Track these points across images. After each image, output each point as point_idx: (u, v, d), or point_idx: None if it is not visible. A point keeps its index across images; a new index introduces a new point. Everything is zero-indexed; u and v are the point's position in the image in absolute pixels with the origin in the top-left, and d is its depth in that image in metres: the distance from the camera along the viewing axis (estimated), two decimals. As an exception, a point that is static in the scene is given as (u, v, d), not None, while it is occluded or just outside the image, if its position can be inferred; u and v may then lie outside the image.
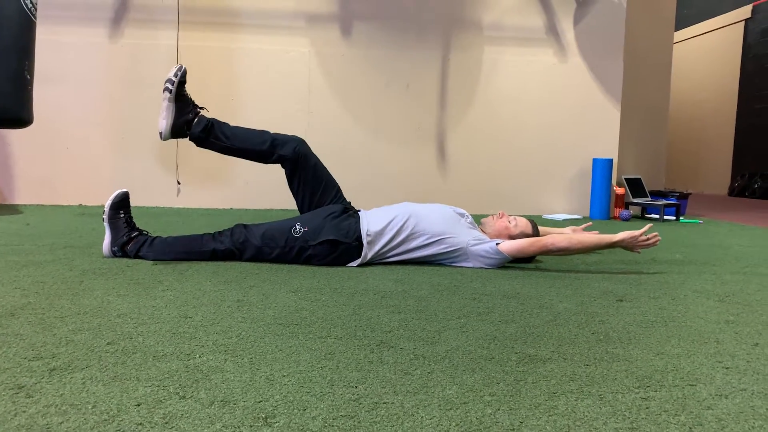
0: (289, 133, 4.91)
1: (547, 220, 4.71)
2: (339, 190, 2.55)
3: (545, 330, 1.57)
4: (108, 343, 1.35)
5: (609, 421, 1.02)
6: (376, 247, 2.36)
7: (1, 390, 1.07)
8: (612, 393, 1.14)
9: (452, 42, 5.07)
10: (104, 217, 2.36)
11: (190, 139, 2.34)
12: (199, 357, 1.28)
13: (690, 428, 1.01)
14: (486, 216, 2.70)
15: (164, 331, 1.46)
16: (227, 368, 1.21)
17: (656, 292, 2.08)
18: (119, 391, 1.08)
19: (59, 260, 2.32)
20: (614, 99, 5.20)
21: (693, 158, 10.76)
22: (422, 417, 1.01)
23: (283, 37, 4.90)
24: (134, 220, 2.46)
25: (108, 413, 0.99)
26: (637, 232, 2.34)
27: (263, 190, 4.96)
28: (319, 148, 5.06)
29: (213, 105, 4.87)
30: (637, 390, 1.16)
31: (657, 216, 5.05)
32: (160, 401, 1.04)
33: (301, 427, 0.97)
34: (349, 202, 2.57)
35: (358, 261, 2.36)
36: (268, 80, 4.91)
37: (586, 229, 2.85)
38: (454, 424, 0.99)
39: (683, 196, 5.35)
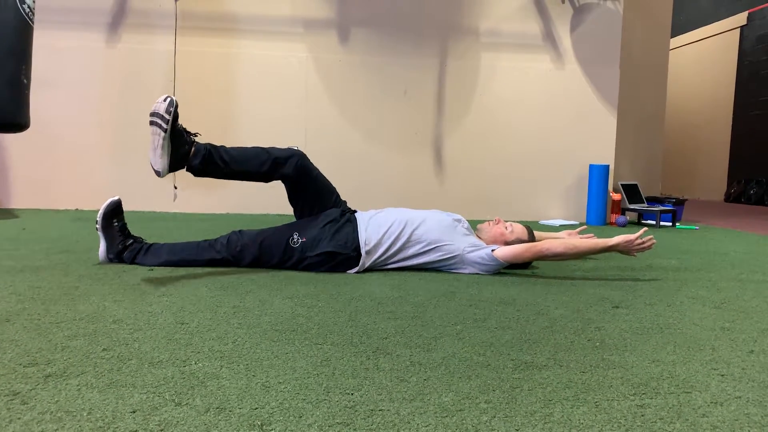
0: (287, 139, 4.90)
1: (544, 225, 4.72)
2: (336, 194, 2.54)
3: (541, 337, 1.57)
4: (104, 350, 1.35)
5: (605, 428, 1.03)
6: (374, 256, 2.38)
7: (-5, 397, 1.07)
8: (608, 400, 1.15)
9: (449, 48, 5.09)
10: (97, 226, 2.34)
11: (187, 171, 2.22)
12: (195, 363, 1.27)
13: (685, 436, 1.01)
14: (482, 222, 2.70)
15: (160, 337, 1.45)
16: (223, 375, 1.21)
17: (652, 298, 2.09)
18: (115, 397, 1.08)
19: (55, 265, 2.32)
20: (611, 105, 5.22)
21: (689, 164, 10.80)
22: (418, 424, 1.01)
23: (281, 43, 4.91)
24: (129, 226, 2.44)
25: (103, 420, 0.99)
26: (632, 236, 2.35)
27: (260, 195, 4.96)
28: (317, 153, 5.07)
29: (210, 110, 4.88)
30: (632, 397, 1.17)
31: (653, 222, 5.06)
32: (156, 408, 1.04)
33: (297, 435, 0.96)
34: (345, 202, 2.58)
35: (356, 269, 2.37)
36: (266, 86, 4.92)
37: (581, 233, 2.86)
38: (449, 431, 0.99)
39: (679, 202, 5.37)
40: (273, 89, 4.92)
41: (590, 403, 1.13)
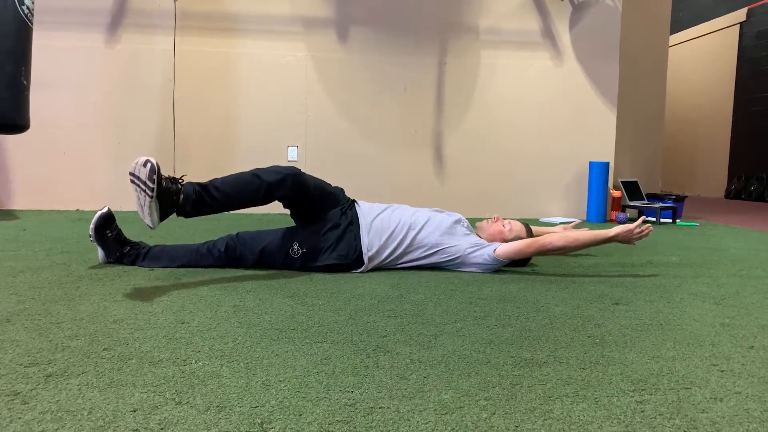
0: (288, 139, 4.91)
1: (544, 223, 4.72)
2: (335, 194, 2.46)
3: (541, 334, 1.57)
4: (104, 349, 1.35)
5: (604, 424, 1.03)
6: (377, 261, 2.39)
7: (-4, 397, 1.07)
8: (607, 396, 1.15)
9: (449, 46, 5.09)
10: (91, 239, 2.31)
11: (179, 216, 2.11)
12: (196, 362, 1.28)
13: (684, 431, 1.01)
14: (482, 220, 2.71)
15: (160, 336, 1.46)
16: (223, 374, 1.21)
17: (652, 295, 2.09)
18: (115, 397, 1.08)
19: (55, 266, 2.32)
20: (610, 102, 5.22)
21: (689, 161, 10.80)
22: (418, 421, 1.02)
23: (280, 42, 4.91)
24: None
25: (104, 419, 0.99)
26: (631, 226, 2.36)
27: (260, 195, 4.96)
28: (316, 152, 5.08)
29: (210, 110, 4.88)
30: (632, 393, 1.17)
31: (654, 219, 5.06)
32: (156, 407, 1.04)
33: (297, 433, 0.97)
34: (342, 190, 2.49)
35: (359, 270, 2.37)
36: (265, 85, 4.92)
37: (576, 227, 2.86)
38: (449, 428, 1.00)
39: (679, 199, 5.37)
40: (272, 88, 4.93)
41: (590, 399, 1.13)
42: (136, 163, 1.90)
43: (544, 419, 1.04)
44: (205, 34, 4.83)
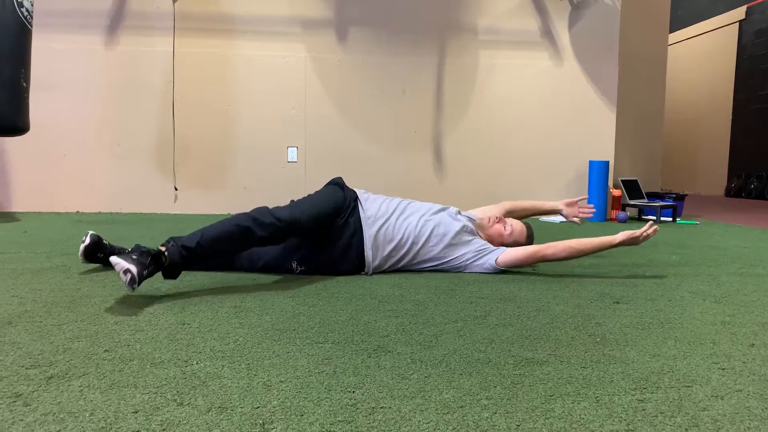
0: (287, 139, 4.91)
1: (544, 222, 4.72)
2: (335, 209, 2.28)
3: (542, 333, 1.57)
4: (105, 351, 1.35)
5: (605, 423, 1.03)
6: (380, 270, 2.37)
7: (-2, 399, 1.07)
8: (608, 395, 1.15)
9: (447, 47, 5.09)
10: (81, 261, 2.24)
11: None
12: (197, 363, 1.28)
13: (686, 430, 1.01)
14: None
15: (162, 337, 1.46)
16: (225, 374, 1.22)
17: (653, 293, 2.09)
18: (117, 398, 1.09)
19: (56, 268, 2.32)
20: (610, 101, 5.22)
21: (689, 159, 10.80)
22: (419, 421, 1.02)
23: (279, 43, 4.92)
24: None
25: (105, 421, 0.99)
26: (636, 232, 2.32)
27: (260, 196, 4.96)
28: (316, 152, 5.08)
29: (209, 111, 4.88)
30: (633, 392, 1.17)
31: (654, 217, 5.06)
32: (158, 408, 1.05)
33: (299, 433, 0.97)
34: (343, 197, 2.35)
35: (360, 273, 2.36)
36: (265, 86, 4.92)
37: (581, 203, 2.81)
38: (451, 427, 1.00)
39: (680, 198, 5.37)
40: (272, 89, 4.93)
41: (591, 398, 1.13)
42: (120, 278, 1.73)
43: (546, 418, 1.04)
44: (204, 36, 4.84)
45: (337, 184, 2.42)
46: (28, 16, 3.62)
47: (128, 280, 1.69)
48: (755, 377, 1.27)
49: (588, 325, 1.65)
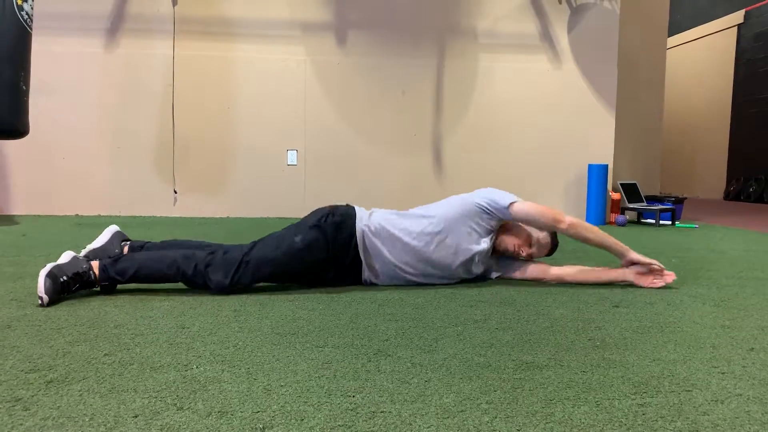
0: (287, 142, 4.89)
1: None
2: (311, 263, 2.06)
3: (542, 337, 1.57)
4: (105, 355, 1.35)
5: (605, 427, 1.03)
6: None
7: (-3, 403, 1.07)
8: (608, 399, 1.15)
9: (447, 49, 5.09)
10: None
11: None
12: (197, 368, 1.28)
13: (686, 434, 1.01)
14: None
15: (161, 341, 1.46)
16: (224, 379, 1.21)
17: (652, 297, 2.09)
18: (116, 402, 1.08)
19: (56, 271, 2.31)
20: (609, 104, 5.23)
21: (688, 163, 10.81)
22: (420, 425, 1.02)
23: (279, 46, 4.92)
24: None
25: (105, 425, 0.99)
26: (649, 277, 2.26)
27: (260, 199, 4.97)
28: (316, 155, 5.08)
29: (209, 114, 4.88)
30: (633, 396, 1.17)
31: (653, 221, 5.06)
32: (158, 413, 1.04)
33: (299, 438, 0.97)
34: (330, 217, 2.10)
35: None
36: (264, 89, 4.93)
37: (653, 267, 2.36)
38: (451, 432, 1.00)
39: (679, 201, 5.37)
40: (271, 92, 4.93)
41: (591, 402, 1.13)
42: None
43: (546, 422, 1.04)
44: (204, 39, 4.84)
45: (320, 229, 2.05)
46: (28, 19, 3.62)
47: (41, 301, 1.77)
48: (755, 381, 1.27)
49: (588, 329, 1.65)
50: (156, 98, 4.81)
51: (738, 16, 9.76)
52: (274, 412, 1.06)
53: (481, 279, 2.35)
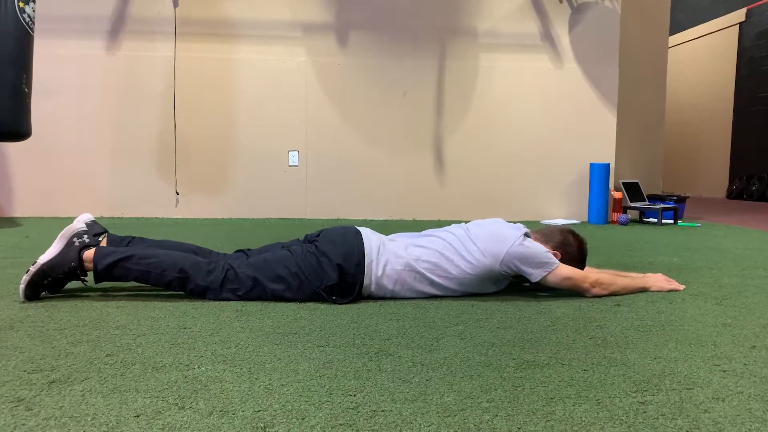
0: (288, 143, 4.89)
1: (545, 225, 4.71)
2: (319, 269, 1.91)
3: (543, 335, 1.57)
4: (107, 355, 1.35)
5: (606, 425, 1.03)
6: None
7: (0, 403, 1.08)
8: (609, 398, 1.15)
9: (448, 50, 5.10)
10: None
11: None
12: (198, 367, 1.28)
13: (687, 431, 1.01)
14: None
15: (163, 341, 1.46)
16: (226, 378, 1.22)
17: (653, 296, 2.09)
18: (118, 402, 1.09)
19: (58, 272, 2.32)
20: (610, 104, 5.22)
21: (690, 162, 10.79)
22: (420, 424, 1.02)
23: (280, 47, 4.93)
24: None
25: (107, 425, 1.00)
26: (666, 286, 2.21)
27: (262, 200, 4.97)
28: (317, 156, 5.09)
29: (211, 116, 4.89)
30: (634, 394, 1.17)
31: (655, 220, 5.06)
32: (160, 412, 1.05)
33: (300, 436, 0.97)
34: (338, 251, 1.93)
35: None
36: (266, 90, 4.94)
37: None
38: (452, 430, 1.00)
39: (681, 200, 5.36)
40: (273, 93, 4.94)
41: (592, 400, 1.13)
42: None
43: (547, 421, 1.04)
44: (205, 40, 4.85)
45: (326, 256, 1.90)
46: (30, 22, 3.63)
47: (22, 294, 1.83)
48: (756, 379, 1.27)
49: (589, 328, 1.65)
50: (157, 100, 4.82)
51: (740, 15, 9.74)
52: (275, 411, 1.06)
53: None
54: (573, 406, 1.11)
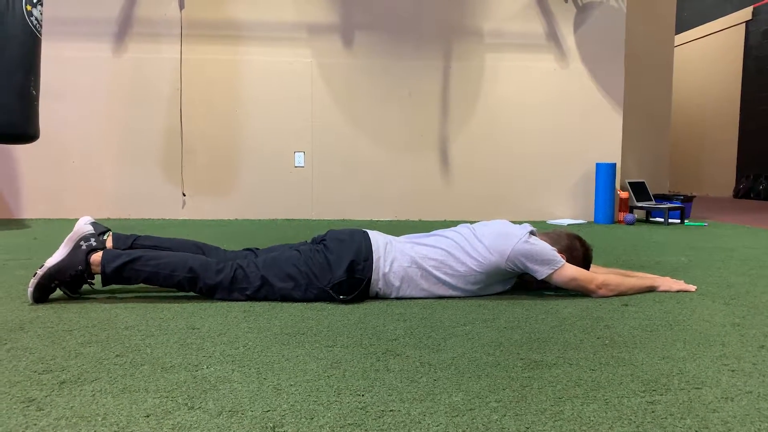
0: (294, 144, 4.90)
1: (551, 225, 4.71)
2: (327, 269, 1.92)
3: (551, 335, 1.57)
4: (117, 355, 1.36)
5: (615, 425, 1.03)
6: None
7: (12, 403, 1.08)
8: (618, 397, 1.15)
9: (453, 50, 5.10)
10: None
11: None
12: (207, 368, 1.29)
13: (696, 431, 1.01)
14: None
15: (172, 342, 1.47)
16: (235, 378, 1.22)
17: (661, 295, 2.08)
18: (128, 402, 1.10)
19: (67, 274, 2.33)
20: (616, 103, 5.21)
21: (697, 161, 10.74)
22: (429, 424, 1.02)
23: (286, 48, 4.94)
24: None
25: (118, 425, 1.00)
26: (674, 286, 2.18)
27: (268, 201, 4.99)
28: (323, 157, 5.09)
29: (217, 117, 4.91)
30: (642, 394, 1.17)
31: (662, 219, 5.04)
32: (169, 412, 1.06)
33: (309, 436, 0.97)
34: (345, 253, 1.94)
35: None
36: (271, 91, 4.95)
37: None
38: (460, 430, 1.00)
39: (688, 199, 5.34)
40: (278, 94, 4.95)
41: (600, 400, 1.13)
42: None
43: (555, 420, 1.04)
44: (211, 42, 4.87)
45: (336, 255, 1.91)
46: (38, 25, 3.66)
47: (31, 296, 1.84)
48: (765, 379, 1.26)
49: (596, 328, 1.65)
50: (164, 101, 4.84)
51: (746, 13, 9.69)
52: (284, 411, 1.07)
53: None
54: (581, 405, 1.11)
